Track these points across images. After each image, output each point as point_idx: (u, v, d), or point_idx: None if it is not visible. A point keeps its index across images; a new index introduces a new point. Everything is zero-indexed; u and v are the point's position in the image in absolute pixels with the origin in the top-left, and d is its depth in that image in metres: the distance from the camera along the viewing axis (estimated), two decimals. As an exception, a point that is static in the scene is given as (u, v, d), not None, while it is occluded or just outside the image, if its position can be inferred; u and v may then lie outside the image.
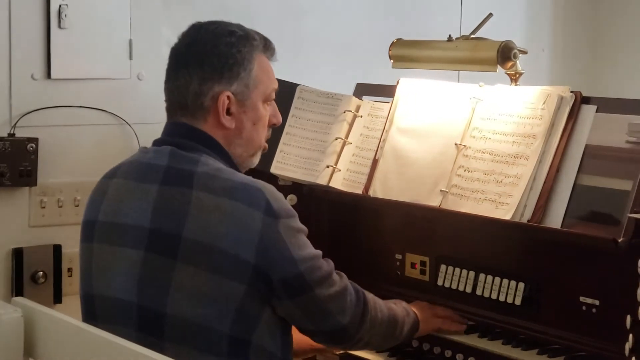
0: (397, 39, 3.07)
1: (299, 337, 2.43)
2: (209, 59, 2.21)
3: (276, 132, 2.90)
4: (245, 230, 2.07)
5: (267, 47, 2.31)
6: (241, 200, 2.09)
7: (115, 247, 2.17)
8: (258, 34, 2.30)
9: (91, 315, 2.22)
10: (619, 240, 2.24)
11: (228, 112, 2.23)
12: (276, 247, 2.09)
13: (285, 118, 3.01)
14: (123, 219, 2.17)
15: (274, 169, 3.00)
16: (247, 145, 2.28)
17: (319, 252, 2.20)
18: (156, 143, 2.26)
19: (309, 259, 2.15)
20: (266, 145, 2.36)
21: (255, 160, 2.34)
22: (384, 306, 2.37)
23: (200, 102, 2.21)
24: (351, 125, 2.98)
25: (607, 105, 2.50)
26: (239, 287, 2.07)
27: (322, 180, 2.93)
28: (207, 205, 2.09)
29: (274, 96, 2.33)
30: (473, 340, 2.50)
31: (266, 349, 2.15)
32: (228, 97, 2.21)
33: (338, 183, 2.92)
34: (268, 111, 2.31)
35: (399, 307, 2.45)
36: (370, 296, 2.32)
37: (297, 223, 2.17)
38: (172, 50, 2.29)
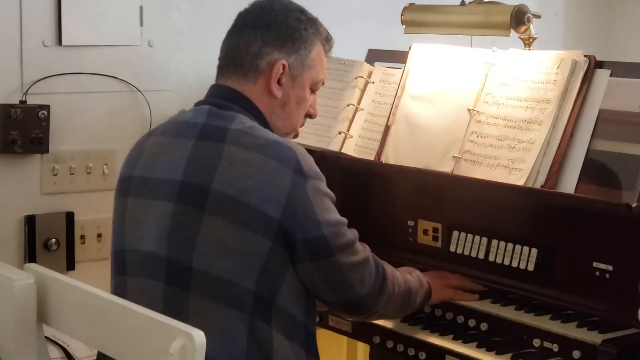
0: (410, 4, 3.05)
1: None
2: (277, 25, 2.28)
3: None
4: (274, 186, 2.10)
5: (327, 39, 2.39)
6: (272, 156, 2.12)
7: (148, 200, 2.20)
8: (323, 26, 2.38)
9: (121, 269, 2.24)
10: (633, 205, 2.23)
11: (279, 82, 2.27)
12: (302, 207, 2.12)
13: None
14: (157, 174, 2.20)
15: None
16: (287, 122, 2.32)
17: (344, 219, 2.22)
18: (197, 104, 2.30)
19: (333, 224, 2.16)
20: (298, 131, 2.40)
21: None
22: (401, 279, 2.38)
23: (256, 63, 2.26)
24: (363, 91, 2.97)
25: (621, 69, 2.48)
26: (264, 243, 2.09)
27: (334, 147, 2.93)
28: (237, 159, 2.12)
29: (319, 87, 2.38)
30: (486, 306, 2.50)
31: (289, 312, 2.16)
32: (284, 66, 2.26)
33: (350, 149, 2.91)
34: (310, 98, 2.36)
35: (413, 277, 2.46)
36: (389, 269, 2.33)
37: (325, 187, 2.19)
38: (241, 12, 2.34)
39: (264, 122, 2.26)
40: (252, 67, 2.26)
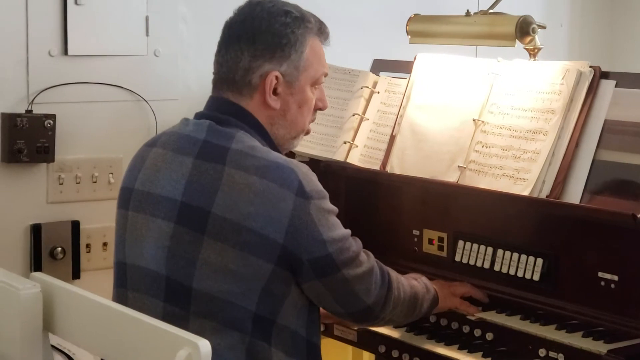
0: (415, 14, 3.05)
1: None
2: (263, 36, 2.20)
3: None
4: (276, 210, 2.07)
5: (321, 30, 2.30)
6: (273, 180, 2.08)
7: (148, 216, 2.18)
8: (314, 16, 2.29)
9: (122, 282, 2.23)
10: (638, 216, 2.23)
11: (275, 92, 2.21)
12: (307, 229, 2.09)
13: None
14: (157, 190, 2.18)
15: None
16: (290, 128, 2.27)
17: (348, 231, 2.20)
18: (197, 116, 2.26)
19: (338, 240, 2.15)
20: (310, 128, 2.34)
21: (297, 143, 2.33)
22: (406, 285, 2.38)
23: (248, 79, 2.20)
24: (368, 101, 2.98)
25: (626, 80, 2.49)
26: (266, 266, 2.07)
27: (339, 156, 2.93)
28: (238, 183, 2.08)
29: (323, 80, 2.31)
30: (491, 316, 2.50)
31: (289, 327, 2.16)
32: (276, 77, 2.20)
33: (355, 159, 2.92)
34: (315, 95, 2.30)
35: (419, 283, 2.46)
36: (394, 275, 2.33)
37: (328, 204, 2.16)
38: (226, 24, 2.28)
39: (266, 135, 2.23)
40: (245, 84, 2.21)
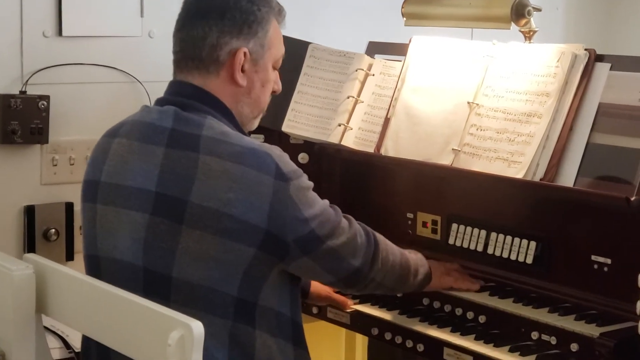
0: (410, -4, 3.05)
1: (317, 284, 2.49)
2: (231, 12, 2.19)
3: (288, 91, 2.89)
4: (256, 196, 2.06)
5: (280, 13, 2.30)
6: (250, 165, 2.08)
7: (120, 209, 2.15)
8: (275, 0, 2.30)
9: (96, 275, 2.20)
10: (632, 199, 2.24)
11: (242, 70, 2.21)
12: (288, 210, 2.09)
13: (297, 76, 3.01)
14: (128, 182, 2.15)
15: (286, 128, 2.99)
16: (254, 106, 2.27)
17: (326, 202, 2.21)
18: (159, 102, 2.23)
19: (319, 215, 2.15)
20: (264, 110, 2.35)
21: (256, 123, 2.33)
22: (396, 250, 2.40)
23: (216, 55, 2.19)
24: (363, 83, 2.97)
25: (621, 63, 2.48)
26: (247, 250, 2.07)
27: (333, 139, 2.93)
28: (214, 170, 2.07)
29: (280, 63, 2.33)
30: (484, 299, 2.50)
31: (273, 309, 2.16)
32: (245, 53, 2.20)
33: (350, 141, 2.91)
34: (273, 76, 2.31)
35: (412, 255, 2.47)
36: (381, 238, 2.35)
37: (305, 181, 2.17)
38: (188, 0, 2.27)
39: (232, 118, 2.21)
40: (212, 60, 2.19)
